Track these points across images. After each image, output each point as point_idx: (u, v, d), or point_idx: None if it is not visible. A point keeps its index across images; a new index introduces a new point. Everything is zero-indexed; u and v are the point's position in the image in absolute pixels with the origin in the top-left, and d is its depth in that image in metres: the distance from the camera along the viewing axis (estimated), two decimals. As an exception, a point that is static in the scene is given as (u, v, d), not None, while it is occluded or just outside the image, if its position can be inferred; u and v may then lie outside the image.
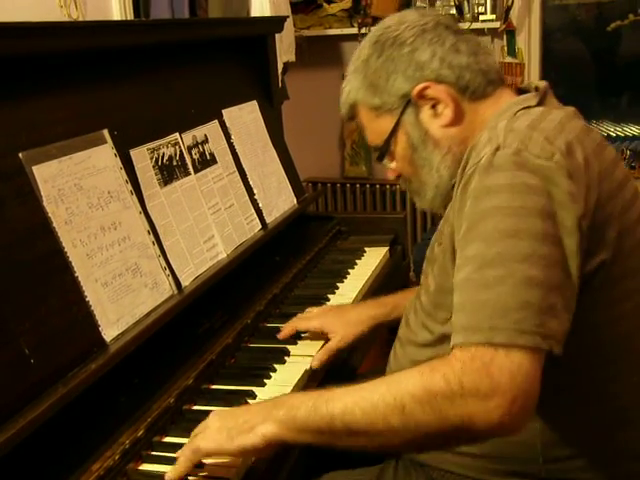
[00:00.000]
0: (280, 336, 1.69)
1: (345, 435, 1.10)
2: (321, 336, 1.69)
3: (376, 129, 1.40)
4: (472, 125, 1.32)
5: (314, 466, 1.47)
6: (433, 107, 1.32)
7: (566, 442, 1.23)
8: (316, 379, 1.58)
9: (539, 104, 1.28)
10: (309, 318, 1.73)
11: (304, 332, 1.72)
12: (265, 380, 1.53)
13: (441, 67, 1.30)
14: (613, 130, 4.24)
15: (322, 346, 1.65)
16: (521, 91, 1.37)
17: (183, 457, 1.21)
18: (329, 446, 1.13)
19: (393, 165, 1.43)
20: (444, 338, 1.25)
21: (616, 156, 1.27)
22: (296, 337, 1.72)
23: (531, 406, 1.01)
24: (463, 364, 1.02)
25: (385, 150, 1.40)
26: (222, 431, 1.18)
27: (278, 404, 1.17)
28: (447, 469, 1.34)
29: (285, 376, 1.55)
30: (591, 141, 1.20)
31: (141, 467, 1.28)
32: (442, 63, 1.30)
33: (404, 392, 1.04)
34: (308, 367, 1.58)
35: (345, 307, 1.81)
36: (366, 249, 2.32)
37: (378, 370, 1.51)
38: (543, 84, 1.33)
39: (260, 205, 2.13)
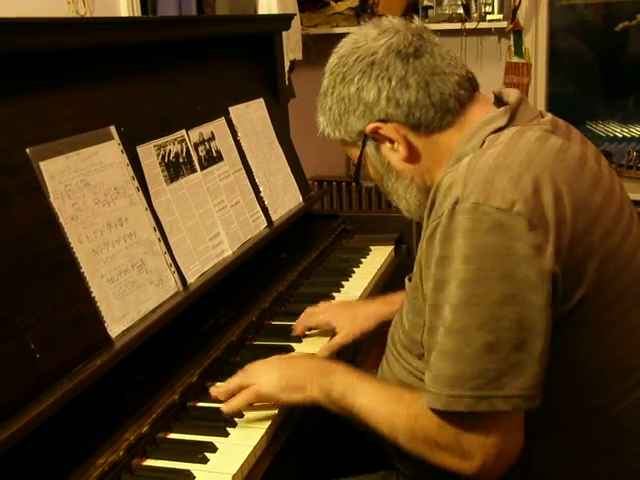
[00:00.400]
0: (295, 334, 1.73)
1: (362, 423, 1.26)
2: (326, 334, 1.70)
3: (349, 153, 1.42)
4: (435, 156, 1.29)
5: (316, 472, 1.47)
6: (391, 142, 1.30)
7: (568, 466, 1.24)
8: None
9: (510, 120, 1.24)
10: (317, 313, 1.75)
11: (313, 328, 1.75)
12: (270, 377, 1.53)
13: (388, 106, 1.26)
14: (620, 131, 4.23)
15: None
16: (497, 99, 1.34)
17: (245, 395, 1.36)
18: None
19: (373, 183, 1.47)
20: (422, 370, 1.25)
21: (595, 174, 1.22)
22: (301, 335, 1.73)
23: (506, 462, 1.11)
24: (438, 425, 1.13)
25: (357, 174, 1.43)
26: (281, 381, 1.34)
27: (325, 372, 1.32)
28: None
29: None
30: (565, 168, 1.16)
31: (145, 463, 1.28)
32: (389, 102, 1.26)
33: (397, 427, 1.20)
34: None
35: (353, 303, 1.84)
36: (371, 248, 2.31)
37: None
38: (514, 96, 1.28)
39: (266, 203, 2.13)
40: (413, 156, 1.30)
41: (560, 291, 1.10)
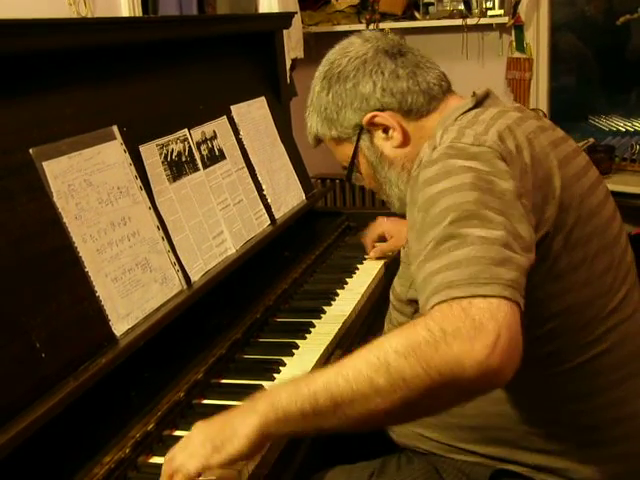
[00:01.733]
0: (369, 250, 2.20)
1: (331, 411, 1.03)
2: (330, 332, 1.71)
3: (340, 154, 1.53)
4: (421, 141, 1.39)
5: (317, 462, 1.49)
6: (384, 131, 1.43)
7: (546, 412, 1.29)
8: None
9: (476, 106, 1.38)
10: (376, 226, 2.23)
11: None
12: (274, 374, 1.54)
13: (384, 96, 1.41)
14: (622, 125, 4.23)
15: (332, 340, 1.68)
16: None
17: None
18: (316, 431, 1.11)
19: (364, 182, 1.55)
20: None
21: (555, 140, 1.32)
22: (305, 332, 1.73)
23: (515, 344, 0.98)
24: (442, 313, 1.00)
25: (350, 172, 1.53)
26: (206, 444, 1.12)
27: (257, 398, 1.12)
28: (447, 456, 1.38)
29: (295, 370, 1.55)
30: (524, 129, 1.27)
31: (151, 460, 1.29)
32: (384, 92, 1.40)
33: (387, 350, 1.00)
34: (316, 361, 1.59)
35: (401, 221, 1.98)
36: (375, 244, 2.31)
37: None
38: (483, 90, 1.42)
39: (269, 201, 2.14)
40: (406, 140, 1.42)
41: (531, 219, 1.15)
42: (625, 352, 1.31)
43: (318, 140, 1.55)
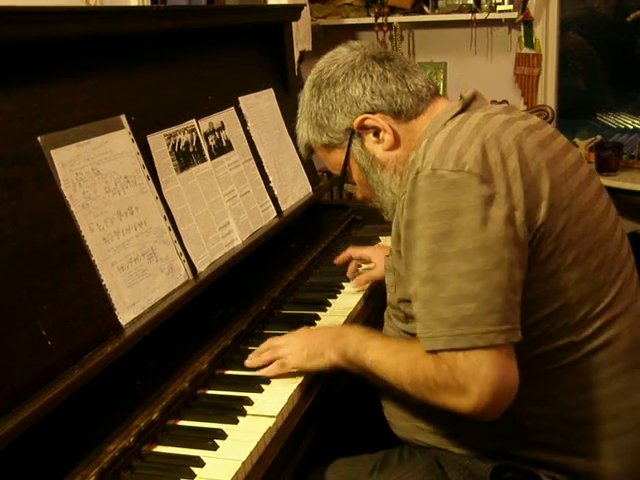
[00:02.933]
0: (337, 261, 2.03)
1: (373, 377, 1.38)
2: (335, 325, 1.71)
3: (332, 161, 1.55)
4: (412, 143, 1.43)
5: (320, 454, 1.50)
6: (375, 134, 1.45)
7: (546, 407, 1.32)
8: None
9: (463, 109, 1.41)
10: (362, 248, 2.03)
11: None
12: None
13: (373, 98, 1.43)
14: (631, 123, 4.21)
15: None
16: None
17: (273, 370, 1.50)
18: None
19: (356, 190, 1.58)
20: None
21: (544, 140, 1.35)
22: (310, 324, 1.74)
23: (501, 394, 1.18)
24: (435, 365, 1.21)
25: (342, 179, 1.56)
26: (304, 352, 1.48)
27: (340, 336, 1.46)
28: (448, 449, 1.41)
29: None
30: (510, 133, 1.30)
31: (156, 449, 1.30)
32: (373, 94, 1.43)
33: (401, 373, 1.30)
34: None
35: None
36: (380, 238, 2.32)
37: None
38: (470, 92, 1.45)
39: (275, 193, 2.14)
40: (397, 142, 1.45)
41: (525, 232, 1.22)
42: (622, 346, 1.32)
43: (310, 149, 1.58)
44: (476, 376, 1.16)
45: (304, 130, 1.54)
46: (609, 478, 1.32)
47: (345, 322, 1.75)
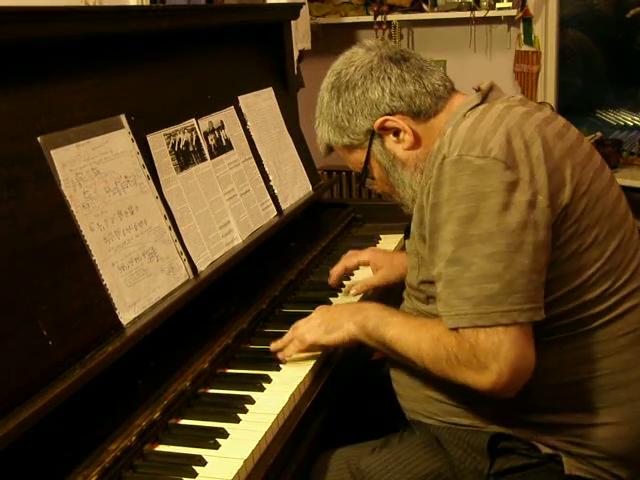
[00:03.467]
0: (331, 281, 1.94)
1: (392, 354, 1.44)
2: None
3: (353, 160, 1.59)
4: (431, 140, 1.46)
5: (327, 442, 1.53)
6: (395, 134, 1.49)
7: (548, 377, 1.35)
8: (330, 365, 1.59)
9: (483, 100, 1.44)
10: (359, 254, 1.96)
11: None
12: (280, 364, 1.55)
13: (392, 100, 1.46)
14: (630, 119, 4.21)
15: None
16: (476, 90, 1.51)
17: (293, 346, 1.55)
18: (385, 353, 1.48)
19: (376, 186, 1.61)
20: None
21: (561, 130, 1.40)
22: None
23: (519, 374, 1.24)
24: (457, 342, 1.27)
25: (364, 177, 1.59)
26: (322, 326, 1.53)
27: (359, 310, 1.50)
28: (448, 420, 1.45)
29: (300, 361, 1.55)
30: (531, 123, 1.34)
31: (157, 448, 1.30)
32: (392, 96, 1.46)
33: (423, 349, 1.34)
34: (322, 351, 1.60)
35: (393, 251, 2.09)
36: (381, 236, 2.32)
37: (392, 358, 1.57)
38: (487, 84, 1.48)
39: (275, 191, 2.14)
40: (417, 141, 1.48)
41: (548, 216, 1.26)
42: (635, 318, 1.37)
43: (330, 149, 1.61)
44: (497, 355, 1.22)
45: (324, 131, 1.57)
46: (608, 443, 1.35)
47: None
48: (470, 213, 1.25)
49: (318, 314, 1.57)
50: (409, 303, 1.56)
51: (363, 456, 1.48)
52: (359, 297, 1.88)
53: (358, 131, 1.51)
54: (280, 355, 1.56)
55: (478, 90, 1.47)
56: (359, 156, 1.55)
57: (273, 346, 1.59)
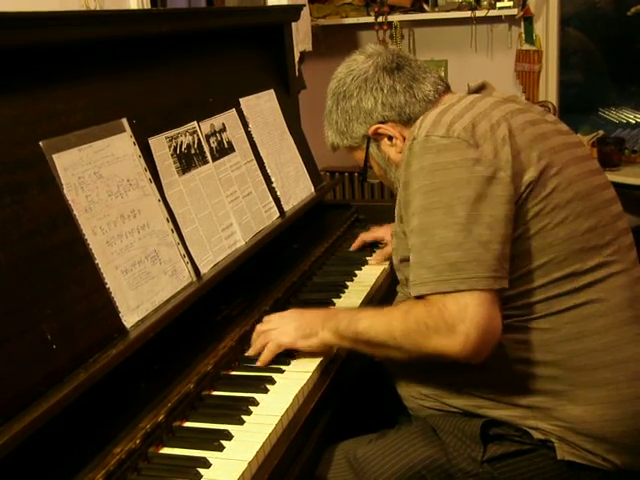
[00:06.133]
0: (353, 248, 2.21)
1: (366, 345, 1.47)
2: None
3: (356, 158, 1.74)
4: None
5: (334, 436, 1.57)
6: (389, 139, 1.62)
7: (540, 353, 1.39)
8: (334, 364, 1.59)
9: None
10: (375, 230, 2.21)
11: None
12: (283, 367, 1.55)
13: (384, 110, 1.59)
14: (633, 117, 4.21)
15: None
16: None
17: (268, 351, 1.55)
18: (362, 351, 1.51)
19: (378, 178, 1.75)
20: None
21: (536, 120, 1.47)
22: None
23: (486, 336, 1.28)
24: (426, 309, 1.32)
25: (364, 174, 1.74)
26: (298, 330, 1.55)
27: (330, 316, 1.54)
28: (449, 407, 1.49)
29: (303, 362, 1.56)
30: (502, 110, 1.43)
31: (162, 450, 1.30)
32: (384, 106, 1.59)
33: (394, 326, 1.39)
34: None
35: None
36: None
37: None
38: (478, 82, 1.60)
39: (278, 193, 2.14)
40: None
41: (510, 191, 1.33)
42: (614, 301, 1.41)
43: (336, 148, 1.76)
44: (463, 316, 1.28)
45: (329, 133, 1.72)
46: (595, 426, 1.37)
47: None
48: (434, 187, 1.34)
49: (293, 317, 1.59)
50: (400, 291, 1.65)
51: (360, 446, 1.52)
52: (382, 267, 2.06)
53: (355, 136, 1.66)
54: (258, 364, 1.56)
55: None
56: (360, 155, 1.70)
57: (249, 353, 1.59)
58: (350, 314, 1.51)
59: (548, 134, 1.46)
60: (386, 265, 2.07)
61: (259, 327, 1.61)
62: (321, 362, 1.57)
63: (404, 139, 1.56)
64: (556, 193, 1.38)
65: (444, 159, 1.35)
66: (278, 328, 1.57)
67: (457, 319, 1.28)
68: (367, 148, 1.66)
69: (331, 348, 1.58)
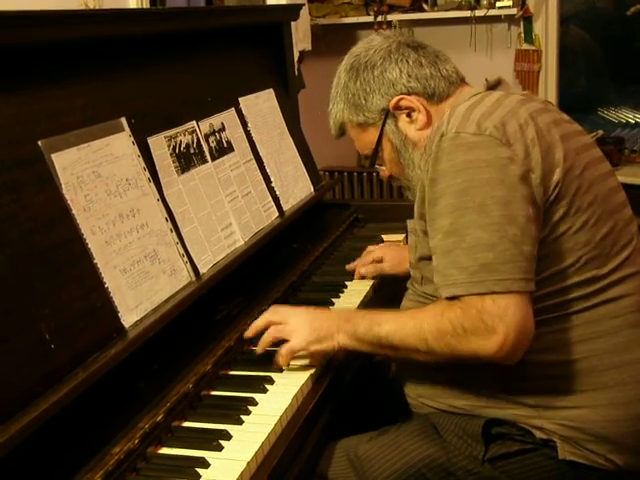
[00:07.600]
0: (349, 267, 2.03)
1: (389, 349, 1.44)
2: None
3: (364, 141, 1.65)
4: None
5: (335, 434, 1.57)
6: (408, 115, 1.57)
7: (554, 354, 1.39)
8: (333, 364, 1.59)
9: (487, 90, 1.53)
10: (372, 252, 2.06)
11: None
12: (283, 367, 1.54)
13: (409, 81, 1.55)
14: (632, 117, 4.21)
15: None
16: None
17: (282, 358, 1.51)
18: (380, 354, 1.52)
19: (384, 168, 1.67)
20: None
21: (557, 119, 1.47)
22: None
23: (523, 337, 1.29)
24: (462, 311, 1.31)
25: (374, 157, 1.65)
26: (312, 334, 1.50)
27: (346, 318, 1.50)
28: (444, 402, 1.49)
29: (302, 362, 1.55)
30: (527, 109, 1.42)
31: (161, 450, 1.29)
32: (409, 77, 1.55)
33: (425, 330, 1.36)
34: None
35: (404, 246, 2.10)
36: (383, 236, 2.32)
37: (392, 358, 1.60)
38: (495, 78, 1.61)
39: (277, 193, 2.14)
40: (428, 122, 1.55)
41: (540, 193, 1.33)
42: (626, 303, 1.41)
43: (342, 130, 1.67)
44: (503, 317, 1.27)
45: (339, 110, 1.63)
46: (599, 425, 1.37)
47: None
48: (466, 186, 1.32)
49: (307, 320, 1.52)
50: (411, 289, 1.61)
51: (361, 444, 1.52)
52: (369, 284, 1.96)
53: (373, 109, 1.58)
54: (275, 367, 1.53)
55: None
56: (371, 136, 1.62)
57: (258, 348, 1.56)
58: (368, 317, 1.48)
59: (570, 135, 1.45)
60: (368, 288, 1.95)
61: (268, 316, 1.57)
62: (320, 362, 1.56)
63: (427, 114, 1.55)
64: (578, 196, 1.38)
65: (475, 157, 1.33)
66: (289, 325, 1.53)
67: (497, 320, 1.27)
68: (383, 125, 1.59)
69: (344, 350, 1.53)
